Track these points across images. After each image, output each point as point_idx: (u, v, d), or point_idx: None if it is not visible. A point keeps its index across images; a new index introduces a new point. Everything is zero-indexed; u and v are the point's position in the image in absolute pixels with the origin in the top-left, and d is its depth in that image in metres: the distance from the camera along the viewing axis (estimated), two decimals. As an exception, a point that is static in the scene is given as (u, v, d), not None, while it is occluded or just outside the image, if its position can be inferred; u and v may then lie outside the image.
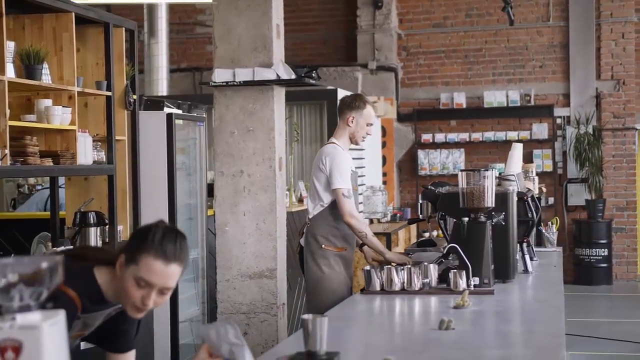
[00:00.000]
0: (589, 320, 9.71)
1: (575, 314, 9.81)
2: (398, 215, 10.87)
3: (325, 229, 5.12)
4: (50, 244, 5.32)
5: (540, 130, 12.42)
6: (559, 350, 2.83)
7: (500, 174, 5.28)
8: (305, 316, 2.70)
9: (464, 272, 4.14)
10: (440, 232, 11.91)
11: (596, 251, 12.02)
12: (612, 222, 12.22)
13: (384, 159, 12.23)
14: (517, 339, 3.22)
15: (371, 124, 5.24)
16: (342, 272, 5.13)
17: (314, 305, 5.08)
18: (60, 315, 1.76)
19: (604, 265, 12.06)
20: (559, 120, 12.51)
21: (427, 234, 12.12)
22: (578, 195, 12.36)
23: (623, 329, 9.19)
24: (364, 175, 10.18)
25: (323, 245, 5.11)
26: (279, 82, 5.65)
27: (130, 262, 2.53)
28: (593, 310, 10.62)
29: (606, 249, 12.04)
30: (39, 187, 8.73)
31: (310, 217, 5.20)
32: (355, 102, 5.21)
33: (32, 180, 8.76)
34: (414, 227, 11.04)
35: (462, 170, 4.38)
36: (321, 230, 5.12)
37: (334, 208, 5.09)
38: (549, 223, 6.36)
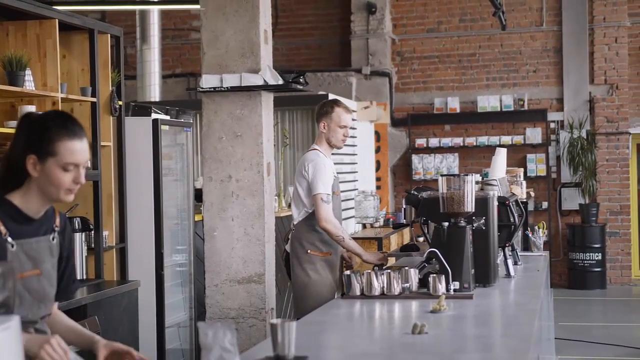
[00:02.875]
0: (583, 324, 9.72)
1: (569, 318, 9.82)
2: (391, 220, 10.88)
3: (310, 234, 5.20)
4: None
5: (534, 134, 12.43)
6: (526, 353, 2.84)
7: (483, 178, 5.30)
8: (274, 321, 2.72)
9: (444, 276, 4.15)
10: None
11: (590, 255, 12.02)
12: (605, 226, 12.23)
13: (378, 163, 12.25)
14: (488, 342, 3.23)
15: (344, 126, 5.30)
16: (328, 277, 5.19)
17: (301, 310, 5.11)
18: (14, 321, 1.78)
19: (598, 269, 12.06)
20: (552, 125, 12.53)
21: (421, 239, 12.13)
22: (572, 200, 12.37)
23: (616, 333, 9.20)
24: (356, 180, 10.20)
25: (309, 251, 5.19)
26: (266, 87, 5.67)
27: (46, 156, 2.63)
28: (587, 314, 10.63)
29: (600, 253, 12.05)
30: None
31: (295, 222, 5.28)
32: (324, 107, 5.33)
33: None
34: (407, 231, 11.05)
35: (442, 175, 4.40)
36: (306, 236, 5.20)
37: None
38: (536, 227, 6.37)
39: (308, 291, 5.14)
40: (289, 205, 7.88)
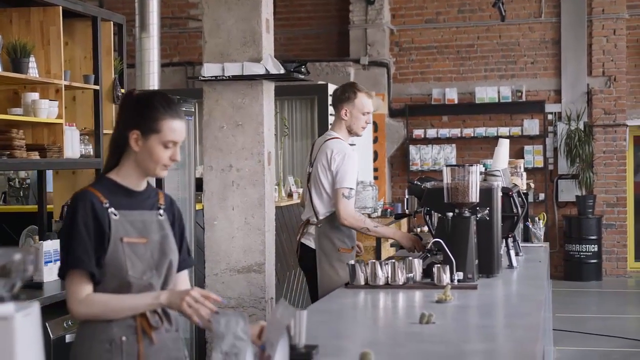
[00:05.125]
0: (579, 316, 9.75)
1: (565, 310, 9.85)
2: (389, 210, 10.89)
3: (339, 230, 4.97)
4: (37, 237, 5.32)
5: (532, 126, 12.45)
6: (534, 343, 2.85)
7: (486, 169, 5.30)
8: (284, 309, 2.72)
9: (448, 266, 4.16)
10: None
11: (586, 247, 12.06)
12: (602, 218, 12.26)
13: (376, 154, 12.25)
14: (495, 332, 3.24)
15: (367, 112, 5.05)
16: None
17: None
18: (35, 307, 1.78)
19: (594, 261, 12.10)
20: (550, 116, 12.55)
21: (418, 229, 12.15)
22: (568, 191, 12.40)
23: (612, 324, 9.24)
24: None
25: (340, 249, 4.98)
26: (268, 76, 5.66)
27: (149, 133, 2.78)
28: (583, 305, 10.67)
29: (596, 245, 12.09)
30: (29, 181, 8.73)
31: (320, 217, 5.01)
32: (345, 93, 5.06)
33: (22, 174, 8.75)
34: (404, 222, 11.07)
35: (447, 166, 4.39)
36: (336, 232, 4.97)
37: None
38: (536, 219, 6.38)
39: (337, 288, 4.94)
40: (289, 195, 7.88)
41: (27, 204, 8.30)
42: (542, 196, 12.36)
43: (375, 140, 12.16)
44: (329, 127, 9.45)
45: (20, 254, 1.74)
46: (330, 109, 9.65)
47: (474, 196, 4.32)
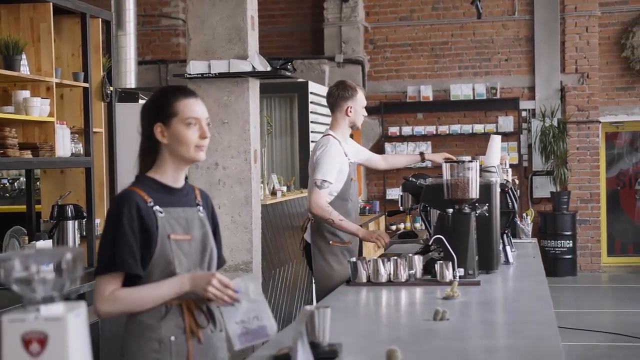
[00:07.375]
0: (556, 311, 9.77)
1: (543, 305, 9.92)
2: (367, 208, 10.92)
3: None
4: (26, 237, 5.23)
5: (506, 123, 12.53)
6: (556, 340, 2.85)
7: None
8: (309, 307, 2.70)
9: (450, 263, 4.16)
10: (409, 224, 11.97)
11: (561, 243, 12.16)
12: (576, 214, 12.37)
13: (351, 151, 12.23)
14: (511, 328, 3.24)
15: (364, 106, 5.30)
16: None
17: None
18: (82, 307, 1.75)
19: (569, 256, 12.21)
20: (524, 113, 12.63)
21: (393, 227, 12.18)
22: (543, 188, 12.49)
23: (588, 319, 9.32)
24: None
25: (331, 242, 5.06)
26: (254, 74, 5.63)
27: (170, 119, 2.77)
28: (559, 301, 10.72)
29: (571, 241, 12.19)
30: (5, 181, 8.61)
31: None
32: (348, 91, 5.19)
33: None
34: (382, 219, 11.10)
35: (446, 162, 4.38)
36: (327, 226, 5.04)
37: (338, 202, 5.02)
38: (524, 215, 6.41)
39: (332, 282, 4.93)
40: (273, 193, 7.84)
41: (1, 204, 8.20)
42: (517, 193, 12.42)
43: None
44: (310, 124, 9.53)
45: (72, 253, 1.71)
46: (312, 107, 9.64)
47: (474, 192, 4.32)
